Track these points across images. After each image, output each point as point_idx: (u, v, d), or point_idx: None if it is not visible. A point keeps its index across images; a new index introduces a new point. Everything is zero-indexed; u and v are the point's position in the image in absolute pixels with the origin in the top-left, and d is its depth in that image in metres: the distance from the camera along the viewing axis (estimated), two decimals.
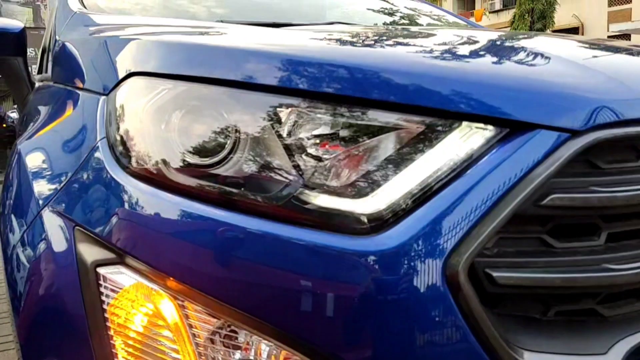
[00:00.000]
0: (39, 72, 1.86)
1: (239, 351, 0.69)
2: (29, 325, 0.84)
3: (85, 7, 1.46)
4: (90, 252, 0.77)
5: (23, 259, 0.92)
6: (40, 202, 0.91)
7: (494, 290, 0.66)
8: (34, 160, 1.01)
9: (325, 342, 0.64)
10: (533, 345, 0.67)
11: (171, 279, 0.71)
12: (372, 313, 0.63)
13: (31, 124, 1.27)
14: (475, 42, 0.99)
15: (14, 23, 1.65)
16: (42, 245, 0.87)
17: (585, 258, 0.70)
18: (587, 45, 1.03)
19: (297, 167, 0.71)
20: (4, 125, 13.52)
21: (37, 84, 1.74)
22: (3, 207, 1.07)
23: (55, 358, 0.80)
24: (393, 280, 0.63)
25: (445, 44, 0.99)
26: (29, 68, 1.87)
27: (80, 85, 1.04)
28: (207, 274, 0.69)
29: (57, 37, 1.44)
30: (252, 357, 0.69)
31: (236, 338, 0.70)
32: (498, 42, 1.02)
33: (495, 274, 0.65)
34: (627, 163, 0.74)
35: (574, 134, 0.68)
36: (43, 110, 1.26)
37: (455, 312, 0.64)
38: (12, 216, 0.99)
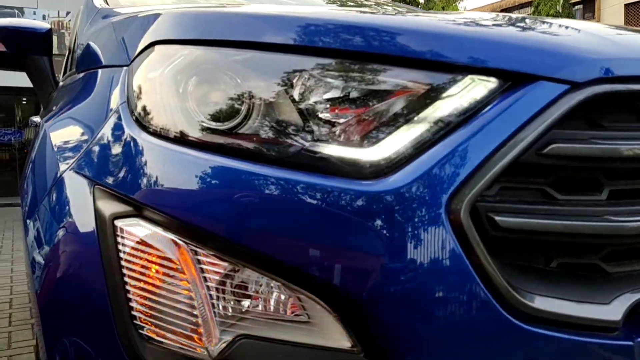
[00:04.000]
0: (64, 73, 1.94)
1: (251, 296, 0.72)
2: (48, 279, 0.87)
3: (107, 4, 1.53)
4: (108, 207, 0.80)
5: (44, 220, 0.97)
6: (62, 166, 0.95)
7: (496, 234, 0.68)
8: (57, 132, 1.06)
9: (335, 278, 0.66)
10: (536, 290, 0.68)
11: (187, 225, 0.73)
12: (379, 251, 0.65)
13: (54, 107, 1.32)
14: (475, 17, 1.03)
15: (41, 24, 1.74)
16: (62, 205, 0.91)
17: (587, 209, 0.72)
18: (591, 25, 1.06)
19: (308, 125, 0.74)
20: (25, 151, 13.86)
21: (61, 83, 1.81)
22: (25, 178, 1.12)
23: (73, 308, 0.82)
24: (397, 219, 0.66)
25: (447, 14, 1.03)
26: (54, 70, 1.94)
27: (103, 63, 1.09)
28: (222, 219, 0.71)
29: (81, 33, 1.51)
30: (262, 297, 0.71)
31: (247, 282, 0.72)
32: (499, 16, 1.05)
33: (497, 218, 0.67)
34: (628, 123, 0.76)
35: (574, 86, 0.70)
36: (66, 95, 1.32)
37: (459, 252, 0.65)
38: (34, 182, 1.03)
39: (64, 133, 1.04)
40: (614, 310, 0.70)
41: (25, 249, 1.15)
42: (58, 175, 0.95)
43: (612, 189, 0.75)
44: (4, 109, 14.10)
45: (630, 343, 0.69)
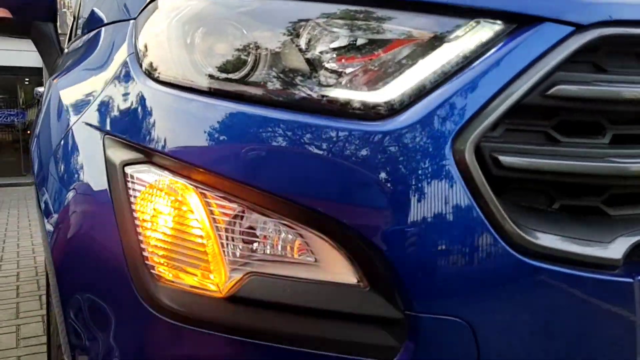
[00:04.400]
0: (69, 41, 1.95)
1: (259, 237, 0.73)
2: (61, 230, 0.89)
3: None
4: (118, 155, 0.82)
5: (56, 173, 0.98)
6: (72, 119, 0.97)
7: (499, 173, 0.69)
8: (65, 87, 1.07)
9: (344, 215, 0.67)
10: (539, 228, 0.70)
11: (196, 169, 0.75)
12: (386, 189, 0.67)
13: (61, 68, 1.33)
14: None
15: None
16: (73, 157, 0.93)
17: (590, 150, 0.73)
18: None
19: (315, 72, 0.75)
20: (28, 132, 13.88)
21: (66, 50, 1.82)
22: (35, 137, 1.14)
23: (87, 255, 0.84)
24: (404, 157, 0.67)
25: None
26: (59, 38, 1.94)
27: (109, 20, 1.10)
28: (231, 161, 0.73)
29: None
30: (270, 239, 0.72)
31: (255, 224, 0.73)
32: None
33: (501, 157, 0.69)
34: (631, 68, 0.77)
35: (579, 28, 0.71)
36: (73, 56, 1.33)
37: (464, 190, 0.67)
38: (45, 138, 1.05)
39: (73, 88, 1.05)
40: (614, 250, 0.71)
41: (38, 207, 1.17)
42: (68, 127, 0.97)
43: (615, 133, 0.76)
44: (7, 90, 14.09)
45: (630, 280, 0.71)
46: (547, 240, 0.69)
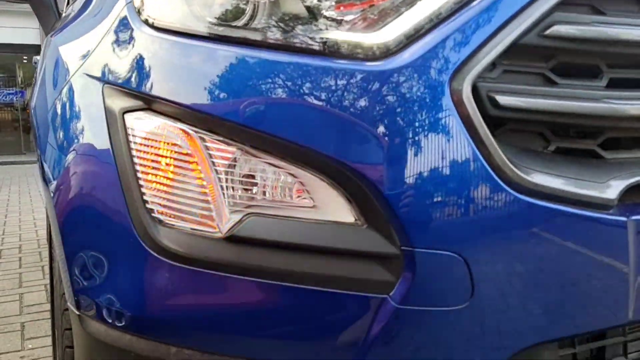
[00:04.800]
0: (67, 4, 1.93)
1: (258, 179, 0.74)
2: (63, 183, 0.90)
3: None
4: (118, 103, 0.82)
5: (56, 126, 0.99)
6: (71, 70, 0.97)
7: (496, 113, 0.70)
8: (64, 41, 1.07)
9: (343, 154, 0.68)
10: (534, 167, 0.71)
11: (195, 113, 0.75)
12: (384, 127, 0.67)
13: (59, 26, 1.33)
14: None
15: None
16: (72, 108, 0.93)
17: (587, 92, 0.73)
18: None
19: (314, 17, 0.75)
20: (28, 111, 13.84)
21: (64, 14, 1.81)
22: (34, 94, 1.14)
23: (89, 205, 0.85)
24: (402, 95, 0.67)
25: None
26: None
27: None
28: (230, 104, 0.73)
29: None
30: (269, 181, 0.73)
31: (254, 166, 0.74)
32: None
33: (498, 97, 0.69)
34: (629, 11, 0.77)
35: None
36: (71, 13, 1.32)
37: (461, 128, 0.67)
38: (44, 93, 1.05)
39: (71, 41, 1.05)
40: (609, 190, 0.72)
41: (39, 162, 1.17)
42: (67, 80, 0.97)
43: (611, 76, 0.76)
44: (5, 69, 14.00)
45: (624, 219, 0.72)
46: (542, 179, 0.70)
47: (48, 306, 2.50)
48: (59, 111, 0.98)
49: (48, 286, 2.75)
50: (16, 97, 14.45)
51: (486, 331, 0.69)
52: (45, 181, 1.04)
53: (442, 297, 0.68)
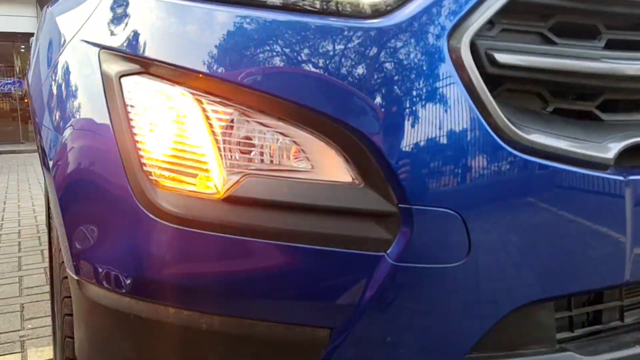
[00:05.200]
0: None
1: (255, 141, 0.74)
2: (60, 149, 0.90)
3: None
4: (114, 67, 0.82)
5: (52, 91, 0.99)
6: (67, 37, 0.97)
7: (494, 71, 0.69)
8: (59, 10, 1.07)
9: (341, 112, 0.68)
10: (533, 126, 0.71)
11: (192, 74, 0.75)
12: (382, 84, 0.67)
13: None
14: None
15: None
16: (69, 74, 0.93)
17: (585, 52, 0.73)
18: None
19: None
20: (26, 100, 13.79)
21: None
22: (30, 64, 1.13)
23: (87, 170, 0.85)
24: (400, 53, 0.67)
25: None
26: None
27: None
28: (227, 64, 0.73)
29: None
30: (266, 143, 0.73)
31: (252, 128, 0.74)
32: None
33: (496, 55, 0.69)
34: None
35: None
36: None
37: (459, 86, 0.67)
38: (41, 60, 1.05)
39: (67, 10, 1.05)
40: (606, 150, 0.72)
41: (36, 133, 1.17)
42: (63, 47, 0.97)
43: (610, 37, 0.76)
44: (2, 59, 13.92)
45: (621, 178, 0.72)
46: (541, 138, 0.70)
47: (47, 288, 2.51)
48: (55, 79, 0.97)
49: (47, 269, 2.75)
50: (14, 87, 14.39)
51: (482, 288, 0.69)
52: (43, 151, 1.04)
53: (438, 255, 0.68)
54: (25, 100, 14.29)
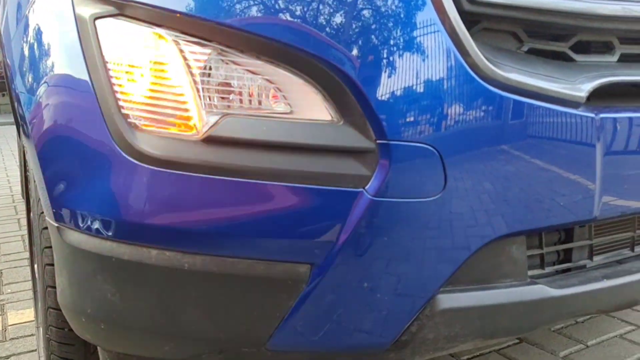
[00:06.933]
0: None
1: (234, 82, 0.74)
2: (37, 101, 0.88)
3: None
4: (88, 10, 0.80)
5: (25, 41, 0.97)
6: None
7: (471, 8, 0.70)
8: None
9: (322, 51, 0.68)
10: (509, 65, 0.72)
11: (167, 14, 0.74)
12: (359, 20, 0.68)
13: None
14: None
15: None
16: (42, 17, 0.91)
17: None
18: None
19: None
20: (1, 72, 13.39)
21: None
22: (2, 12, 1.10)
23: (63, 118, 0.84)
24: None
25: None
26: None
27: None
28: (203, 0, 0.72)
29: None
30: (245, 84, 0.73)
31: (230, 69, 0.73)
32: None
33: None
34: None
35: None
36: None
37: (438, 25, 0.68)
38: (11, 8, 1.02)
39: None
40: (579, 88, 0.74)
41: (9, 79, 1.15)
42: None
43: None
44: None
45: (592, 115, 0.74)
46: (516, 75, 0.71)
47: (26, 254, 2.49)
48: (28, 24, 0.95)
49: (25, 237, 2.72)
50: None
51: (457, 222, 0.71)
52: (18, 99, 1.02)
53: (415, 189, 0.69)
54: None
